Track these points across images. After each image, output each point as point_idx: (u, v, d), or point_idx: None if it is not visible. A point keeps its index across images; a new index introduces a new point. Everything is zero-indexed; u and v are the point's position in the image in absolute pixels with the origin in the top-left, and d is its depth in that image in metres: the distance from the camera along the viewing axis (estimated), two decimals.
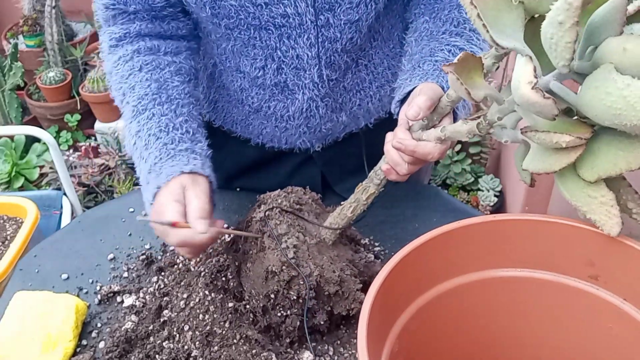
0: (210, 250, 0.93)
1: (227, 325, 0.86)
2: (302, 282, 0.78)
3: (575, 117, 0.53)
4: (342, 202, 0.85)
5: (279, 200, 0.86)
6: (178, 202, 0.77)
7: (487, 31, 0.52)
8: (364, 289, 0.85)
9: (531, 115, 0.53)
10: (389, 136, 0.78)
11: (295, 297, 0.79)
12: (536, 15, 0.53)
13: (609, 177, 0.51)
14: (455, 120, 0.77)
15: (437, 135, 0.70)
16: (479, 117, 0.62)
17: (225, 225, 1.01)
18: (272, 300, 0.80)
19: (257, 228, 0.83)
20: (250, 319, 0.85)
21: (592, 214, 0.54)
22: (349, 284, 0.81)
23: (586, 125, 0.51)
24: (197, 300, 0.90)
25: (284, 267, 0.78)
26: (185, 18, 0.93)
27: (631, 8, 0.45)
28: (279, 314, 0.80)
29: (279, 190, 0.90)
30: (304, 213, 0.86)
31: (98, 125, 2.60)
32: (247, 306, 0.84)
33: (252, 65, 0.93)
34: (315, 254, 0.81)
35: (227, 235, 0.94)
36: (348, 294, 0.81)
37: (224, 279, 0.87)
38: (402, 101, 0.84)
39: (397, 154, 0.76)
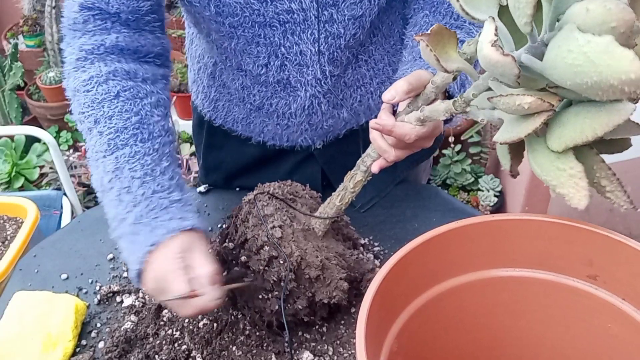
0: (210, 251, 0.93)
1: (226, 325, 0.86)
2: (282, 262, 0.77)
3: (544, 89, 0.54)
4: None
5: (272, 189, 0.85)
6: (184, 269, 0.73)
7: (458, 1, 0.54)
8: (354, 286, 0.85)
9: (499, 85, 0.55)
10: (372, 123, 0.76)
11: (275, 279, 0.78)
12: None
13: (576, 145, 0.50)
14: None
15: (416, 116, 0.71)
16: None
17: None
18: (253, 282, 0.79)
19: (246, 210, 0.82)
20: (250, 319, 0.85)
21: (561, 187, 0.52)
22: (332, 271, 0.80)
23: (554, 94, 0.52)
24: None
25: (265, 246, 0.78)
26: (161, 35, 0.88)
27: None
28: (260, 297, 0.80)
29: (277, 182, 0.89)
30: (297, 204, 0.85)
31: None
32: (246, 308, 0.84)
33: (254, 63, 0.93)
34: (300, 239, 0.80)
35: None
36: (330, 281, 0.80)
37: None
38: None
39: (382, 140, 0.76)
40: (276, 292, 0.79)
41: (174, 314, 0.90)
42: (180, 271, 0.72)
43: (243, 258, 0.80)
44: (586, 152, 0.54)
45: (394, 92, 0.71)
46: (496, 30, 0.49)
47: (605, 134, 0.48)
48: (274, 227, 0.79)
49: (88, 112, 0.80)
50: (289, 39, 0.88)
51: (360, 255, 0.90)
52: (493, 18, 0.50)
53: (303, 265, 0.78)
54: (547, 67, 0.48)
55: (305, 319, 0.82)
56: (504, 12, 0.53)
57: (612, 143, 0.55)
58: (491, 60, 0.49)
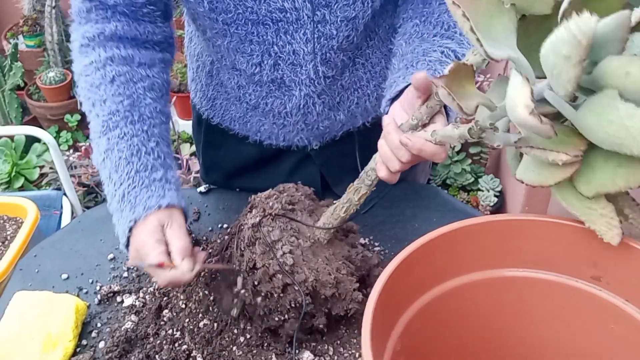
0: (210, 250, 0.93)
1: (227, 325, 0.86)
2: (297, 289, 0.78)
3: (569, 124, 0.51)
4: (335, 201, 0.84)
5: (270, 203, 0.84)
6: (159, 241, 0.79)
7: (480, 43, 0.50)
8: (362, 286, 0.85)
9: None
10: (403, 138, 0.74)
11: (292, 305, 0.78)
12: (527, 14, 0.52)
13: (607, 193, 0.50)
14: (447, 117, 0.77)
15: (426, 137, 0.69)
16: (470, 122, 0.61)
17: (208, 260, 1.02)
18: (267, 305, 0.80)
19: (250, 235, 0.82)
20: (250, 319, 0.85)
21: (592, 224, 0.53)
22: (346, 284, 0.80)
23: (582, 137, 0.49)
24: (197, 300, 0.90)
25: (277, 274, 0.78)
26: (163, 24, 0.91)
27: (634, 20, 0.42)
28: (276, 319, 0.80)
29: (270, 190, 0.89)
30: (297, 212, 0.85)
31: None
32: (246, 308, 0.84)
33: (248, 62, 0.93)
34: (310, 257, 0.80)
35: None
36: (345, 295, 0.81)
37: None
38: (393, 100, 0.83)
39: (389, 149, 0.73)
40: (292, 314, 0.79)
41: (174, 313, 0.90)
42: (156, 244, 0.78)
43: (255, 282, 0.79)
44: (618, 196, 0.54)
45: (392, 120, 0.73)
46: (532, 94, 0.45)
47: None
48: (283, 254, 0.79)
49: (87, 95, 0.87)
50: (281, 37, 0.88)
51: (366, 251, 0.89)
52: (527, 80, 0.46)
53: (318, 286, 0.78)
54: (582, 125, 0.46)
55: (324, 328, 0.83)
56: (520, 34, 0.51)
57: None
58: (526, 123, 0.45)
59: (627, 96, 0.41)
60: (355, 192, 0.80)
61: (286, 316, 0.80)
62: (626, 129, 0.41)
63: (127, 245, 0.83)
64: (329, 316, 0.82)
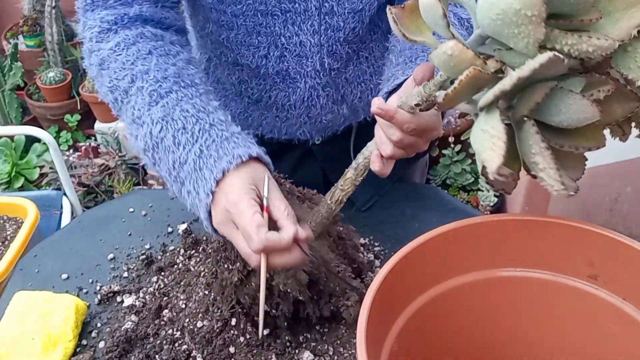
0: (210, 250, 0.93)
1: (226, 325, 0.86)
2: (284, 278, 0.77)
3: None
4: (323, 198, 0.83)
5: None
6: (256, 200, 0.67)
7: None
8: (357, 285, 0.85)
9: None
10: (374, 107, 0.70)
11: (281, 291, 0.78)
12: None
13: (495, 95, 0.48)
14: (443, 116, 0.77)
15: (397, 103, 0.69)
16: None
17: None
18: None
19: None
20: (250, 318, 0.85)
21: (483, 152, 0.49)
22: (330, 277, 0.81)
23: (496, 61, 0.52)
24: (197, 300, 0.90)
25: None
26: (180, 13, 0.89)
27: None
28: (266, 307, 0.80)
29: None
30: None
31: (98, 125, 2.60)
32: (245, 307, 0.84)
33: (253, 55, 0.93)
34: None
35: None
36: (332, 289, 0.81)
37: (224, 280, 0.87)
38: (391, 93, 0.80)
39: (382, 132, 0.71)
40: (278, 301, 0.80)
41: (174, 313, 0.90)
42: (253, 201, 0.66)
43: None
44: (526, 127, 0.51)
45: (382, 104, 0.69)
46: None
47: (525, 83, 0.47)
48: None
49: (121, 74, 0.77)
50: (289, 28, 0.88)
51: (355, 251, 0.90)
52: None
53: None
54: (478, 17, 0.49)
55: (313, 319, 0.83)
56: None
57: (583, 135, 0.52)
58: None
59: None
60: (342, 177, 0.78)
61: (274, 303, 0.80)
62: None
63: (210, 215, 0.69)
64: (320, 308, 0.82)
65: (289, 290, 0.76)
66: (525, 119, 0.50)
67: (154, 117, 0.73)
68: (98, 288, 0.97)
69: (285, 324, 0.83)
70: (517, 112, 0.51)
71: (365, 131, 1.01)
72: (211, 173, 0.68)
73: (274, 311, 0.81)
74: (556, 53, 0.45)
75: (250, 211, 0.64)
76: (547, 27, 0.46)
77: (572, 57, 0.48)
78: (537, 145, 0.49)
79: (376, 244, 1.02)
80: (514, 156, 0.52)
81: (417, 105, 0.67)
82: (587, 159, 0.55)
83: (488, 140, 0.48)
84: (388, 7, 0.62)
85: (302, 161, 1.11)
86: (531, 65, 0.45)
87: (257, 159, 0.71)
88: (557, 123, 0.50)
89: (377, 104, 0.67)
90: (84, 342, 0.89)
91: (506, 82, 0.47)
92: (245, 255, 0.68)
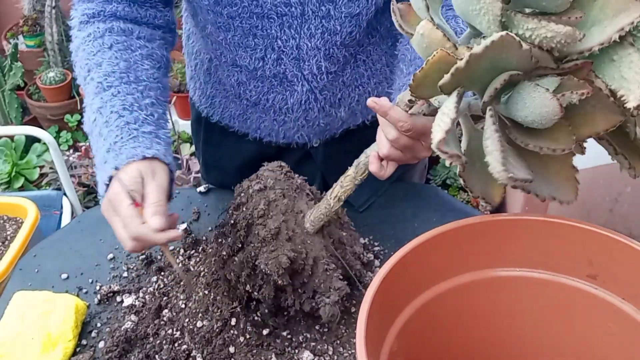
0: (210, 250, 0.93)
1: (226, 325, 0.86)
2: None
3: None
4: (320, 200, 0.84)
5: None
6: (135, 192, 0.76)
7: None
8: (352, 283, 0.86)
9: None
10: (370, 101, 0.73)
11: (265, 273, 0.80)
12: None
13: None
14: None
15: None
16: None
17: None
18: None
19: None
20: (250, 318, 0.85)
21: (433, 127, 0.50)
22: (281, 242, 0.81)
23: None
24: (196, 300, 0.90)
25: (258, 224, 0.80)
26: (165, 9, 0.92)
27: None
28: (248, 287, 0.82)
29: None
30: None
31: None
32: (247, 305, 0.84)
33: (251, 57, 0.93)
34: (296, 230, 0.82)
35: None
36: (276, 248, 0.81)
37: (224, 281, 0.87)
38: None
39: (383, 134, 0.73)
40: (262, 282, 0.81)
41: (174, 313, 0.90)
42: (130, 194, 0.75)
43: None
44: (486, 115, 0.50)
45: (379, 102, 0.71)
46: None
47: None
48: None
49: (84, 63, 0.86)
50: (285, 32, 0.89)
51: (361, 255, 0.90)
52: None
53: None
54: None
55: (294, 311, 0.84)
56: None
57: (550, 136, 0.52)
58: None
59: None
60: (342, 177, 0.79)
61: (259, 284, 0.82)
62: None
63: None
64: (302, 301, 0.83)
65: (269, 272, 0.79)
66: (489, 110, 0.50)
67: (93, 107, 0.83)
68: (98, 288, 0.97)
69: (267, 310, 0.84)
70: (482, 102, 0.51)
71: (369, 135, 1.01)
72: (109, 166, 0.78)
73: (255, 294, 0.82)
74: (509, 32, 0.46)
75: (125, 203, 0.74)
76: (512, 12, 0.47)
77: (535, 45, 0.48)
78: (489, 129, 0.49)
79: (376, 243, 1.03)
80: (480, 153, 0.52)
81: (411, 101, 0.67)
82: (577, 169, 0.55)
83: (439, 118, 0.50)
84: (393, 1, 0.62)
85: (301, 164, 1.11)
86: (484, 44, 0.46)
87: (157, 158, 0.79)
88: (522, 118, 0.50)
89: (373, 98, 0.70)
90: (84, 342, 0.89)
91: (461, 62, 0.48)
92: (121, 239, 0.76)
